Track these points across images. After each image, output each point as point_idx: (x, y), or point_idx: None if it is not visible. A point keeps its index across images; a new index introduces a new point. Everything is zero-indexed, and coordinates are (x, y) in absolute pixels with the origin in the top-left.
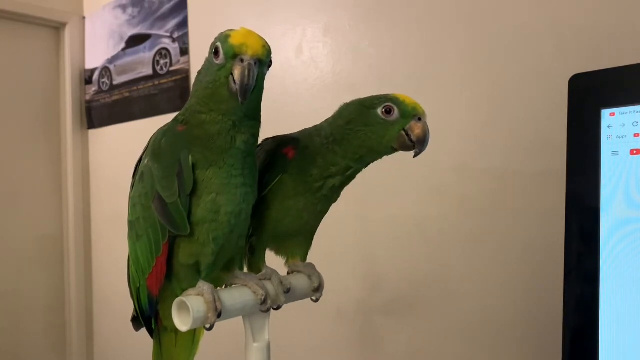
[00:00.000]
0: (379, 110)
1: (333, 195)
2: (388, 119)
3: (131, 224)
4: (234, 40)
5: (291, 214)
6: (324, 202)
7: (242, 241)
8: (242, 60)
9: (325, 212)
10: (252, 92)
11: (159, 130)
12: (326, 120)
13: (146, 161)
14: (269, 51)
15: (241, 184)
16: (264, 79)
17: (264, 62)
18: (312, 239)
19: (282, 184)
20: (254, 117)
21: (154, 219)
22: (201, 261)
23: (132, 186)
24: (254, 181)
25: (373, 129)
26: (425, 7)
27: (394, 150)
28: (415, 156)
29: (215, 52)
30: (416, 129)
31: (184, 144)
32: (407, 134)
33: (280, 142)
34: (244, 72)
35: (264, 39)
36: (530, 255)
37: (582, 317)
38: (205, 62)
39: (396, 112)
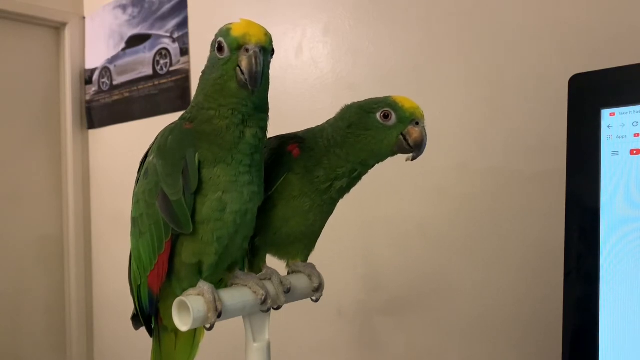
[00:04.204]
0: (378, 115)
1: (339, 196)
2: (386, 124)
3: (134, 220)
4: (236, 32)
5: (297, 214)
6: (330, 203)
7: (247, 243)
8: (247, 50)
9: (331, 213)
10: (261, 81)
11: (166, 127)
12: (328, 122)
13: (151, 157)
14: (270, 38)
15: (248, 182)
16: (269, 68)
17: (267, 49)
18: (315, 241)
19: (288, 183)
20: (262, 109)
21: (157, 216)
22: (204, 261)
23: (137, 182)
24: (261, 181)
25: (372, 133)
26: (425, 7)
27: (394, 152)
28: (412, 159)
29: (219, 47)
30: (413, 134)
31: (190, 141)
32: (405, 139)
33: (285, 140)
34: (251, 61)
35: (264, 27)
36: (530, 255)
37: (582, 317)
38: (208, 61)
39: (394, 117)
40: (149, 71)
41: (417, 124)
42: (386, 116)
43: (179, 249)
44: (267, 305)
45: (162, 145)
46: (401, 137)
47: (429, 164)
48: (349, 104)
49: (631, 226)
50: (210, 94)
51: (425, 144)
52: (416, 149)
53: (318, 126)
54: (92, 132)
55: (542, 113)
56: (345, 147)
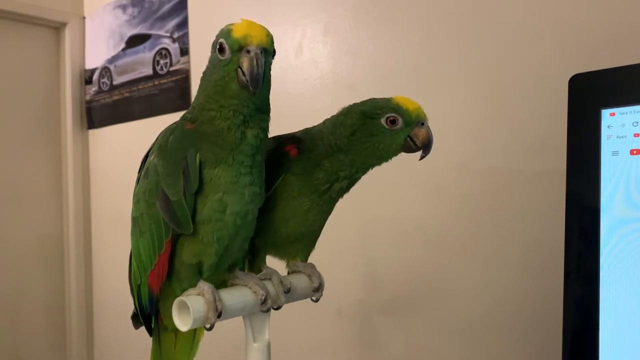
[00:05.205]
0: (383, 121)
1: (339, 196)
2: (393, 129)
3: (134, 220)
4: (237, 33)
5: (297, 214)
6: (329, 202)
7: (247, 244)
8: (248, 52)
9: (330, 213)
10: (262, 82)
11: (167, 127)
12: (325, 125)
13: (152, 157)
14: (272, 39)
15: (249, 183)
16: (270, 69)
17: (268, 50)
18: (315, 241)
19: (286, 184)
20: (263, 110)
21: (157, 216)
22: (204, 261)
23: (137, 182)
24: (262, 182)
25: (379, 138)
26: (425, 7)
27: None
28: (421, 159)
29: (220, 48)
30: (420, 135)
31: (191, 142)
32: (413, 140)
33: (282, 141)
34: (252, 62)
35: (265, 28)
36: (530, 256)
37: (582, 317)
38: (209, 61)
39: (400, 122)
40: (149, 71)
41: (422, 124)
42: (393, 122)
43: (179, 249)
44: (267, 305)
45: (163, 145)
46: (408, 138)
47: (429, 164)
48: (347, 107)
49: (631, 226)
50: (211, 95)
51: (432, 143)
52: (425, 149)
53: (315, 127)
54: (92, 132)
55: (542, 113)
56: (350, 153)
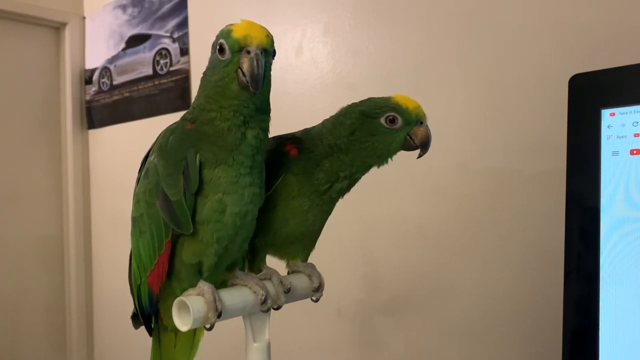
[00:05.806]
0: (382, 120)
1: (339, 196)
2: (392, 128)
3: (134, 220)
4: (237, 34)
5: (297, 214)
6: (329, 202)
7: (246, 244)
8: (248, 52)
9: (330, 213)
10: (262, 82)
11: (167, 127)
12: (324, 125)
13: (152, 157)
14: (272, 40)
15: (249, 184)
16: (270, 69)
17: (269, 51)
18: (315, 241)
19: (286, 184)
20: (264, 110)
21: (157, 216)
22: (203, 261)
23: (137, 182)
24: (262, 182)
25: (379, 138)
26: (425, 7)
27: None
28: (419, 157)
29: (220, 49)
30: (419, 134)
31: (191, 142)
32: (412, 138)
33: (282, 141)
34: (252, 63)
35: (265, 28)
36: (530, 256)
37: (582, 317)
38: (209, 61)
39: (400, 121)
40: (149, 71)
41: (421, 123)
42: (392, 121)
43: (179, 249)
44: (267, 305)
45: (163, 145)
46: (408, 137)
47: (429, 163)
48: (347, 107)
49: (631, 226)
50: (211, 96)
51: (431, 142)
52: (423, 148)
53: (315, 127)
54: (92, 132)
55: (542, 113)
56: (350, 153)
